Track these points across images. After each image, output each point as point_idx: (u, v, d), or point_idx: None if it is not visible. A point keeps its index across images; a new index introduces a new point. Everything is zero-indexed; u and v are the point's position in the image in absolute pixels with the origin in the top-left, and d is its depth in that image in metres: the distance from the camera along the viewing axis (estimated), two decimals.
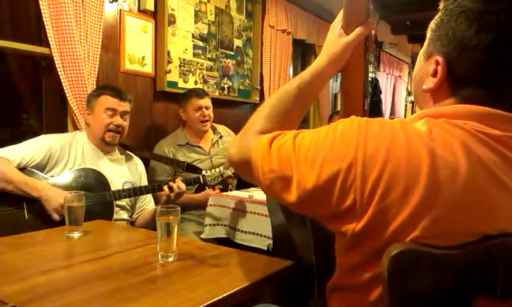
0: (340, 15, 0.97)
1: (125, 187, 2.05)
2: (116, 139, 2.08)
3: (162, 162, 2.48)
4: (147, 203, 2.23)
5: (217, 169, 2.31)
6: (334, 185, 0.68)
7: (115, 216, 1.99)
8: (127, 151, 2.25)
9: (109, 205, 1.95)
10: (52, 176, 1.89)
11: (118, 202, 2.02)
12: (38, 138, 1.95)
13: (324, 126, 0.76)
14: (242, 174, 0.94)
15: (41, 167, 1.88)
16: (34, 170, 1.85)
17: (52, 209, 1.75)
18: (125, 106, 2.09)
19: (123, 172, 2.14)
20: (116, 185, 2.03)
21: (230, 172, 2.32)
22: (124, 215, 2.09)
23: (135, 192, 2.04)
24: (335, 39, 0.97)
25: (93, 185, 1.91)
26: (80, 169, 1.95)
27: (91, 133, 2.08)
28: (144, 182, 2.25)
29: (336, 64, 0.97)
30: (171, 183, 2.07)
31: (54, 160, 1.92)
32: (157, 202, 2.29)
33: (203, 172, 2.25)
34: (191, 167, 2.26)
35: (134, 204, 2.18)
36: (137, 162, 2.27)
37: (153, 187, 2.12)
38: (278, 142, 0.79)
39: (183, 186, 2.09)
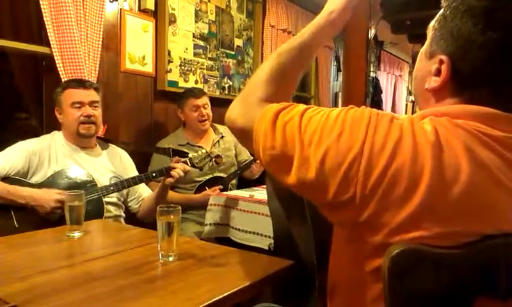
0: None
1: (112, 182, 2.00)
2: (91, 129, 2.00)
3: (149, 151, 2.48)
4: (142, 190, 2.18)
5: (203, 150, 2.24)
6: (335, 176, 0.67)
7: (106, 214, 1.95)
8: (109, 144, 2.19)
9: (97, 203, 1.91)
10: (36, 182, 1.85)
11: (107, 199, 1.98)
12: (16, 145, 1.88)
13: (333, 109, 0.74)
14: (242, 142, 0.93)
15: (24, 174, 1.84)
16: (17, 178, 1.81)
17: (45, 213, 1.74)
18: (92, 95, 2.01)
19: (108, 166, 2.09)
20: (101, 181, 1.98)
21: (217, 151, 2.29)
22: (116, 211, 2.05)
23: (123, 185, 2.00)
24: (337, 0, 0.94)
25: (78, 185, 1.87)
26: (63, 170, 1.90)
27: (66, 131, 2.02)
28: (132, 173, 2.17)
29: (336, 24, 0.94)
30: (173, 172, 2.02)
31: (35, 165, 1.87)
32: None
33: (190, 155, 2.17)
34: (177, 152, 2.23)
35: (126, 198, 2.14)
36: (121, 153, 2.21)
37: (141, 178, 2.07)
38: (283, 118, 0.77)
39: (182, 167, 2.03)
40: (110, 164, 2.11)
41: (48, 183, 1.86)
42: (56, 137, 2.02)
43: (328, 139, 0.69)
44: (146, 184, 2.22)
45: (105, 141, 2.20)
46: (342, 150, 0.67)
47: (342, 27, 0.97)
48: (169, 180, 2.04)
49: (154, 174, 2.07)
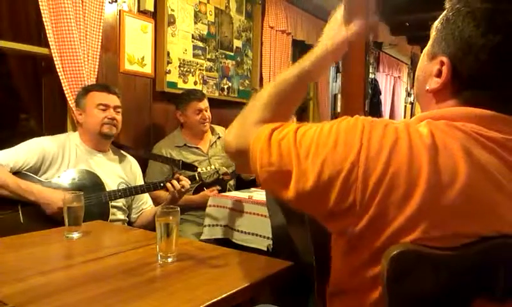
0: (342, 6, 0.96)
1: (120, 188, 2.04)
2: (113, 130, 2.07)
3: (158, 161, 2.48)
4: (145, 202, 2.21)
5: (213, 166, 2.30)
6: (334, 185, 0.68)
7: (111, 217, 1.97)
8: (121, 151, 2.24)
9: (104, 206, 1.94)
10: (47, 179, 1.88)
11: (113, 203, 2.01)
12: (31, 141, 1.92)
13: (326, 122, 0.75)
14: (239, 164, 0.93)
15: (35, 170, 1.87)
16: (28, 173, 1.84)
17: (52, 213, 1.75)
18: (115, 100, 2.09)
19: (118, 172, 2.13)
20: (110, 185, 2.02)
21: (225, 168, 2.32)
22: (121, 215, 2.08)
23: (130, 191, 2.03)
24: (335, 29, 0.94)
25: (87, 187, 1.89)
26: (74, 170, 1.93)
27: (85, 132, 2.06)
28: (140, 182, 2.23)
29: (336, 54, 0.95)
30: (173, 182, 2.05)
31: (48, 163, 1.90)
32: (156, 204, 2.27)
33: (199, 169, 2.23)
34: (187, 165, 2.26)
35: (131, 205, 2.17)
36: (132, 161, 2.25)
37: (149, 187, 2.10)
38: (278, 135, 0.77)
39: (186, 183, 2.08)
40: (121, 170, 2.15)
41: (58, 182, 1.88)
42: (71, 137, 2.06)
43: (324, 149, 0.70)
44: (150, 193, 2.24)
45: (118, 147, 2.23)
46: (339, 159, 0.68)
47: (340, 58, 0.98)
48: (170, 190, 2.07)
49: (162, 184, 2.10)
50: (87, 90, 2.09)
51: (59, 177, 1.90)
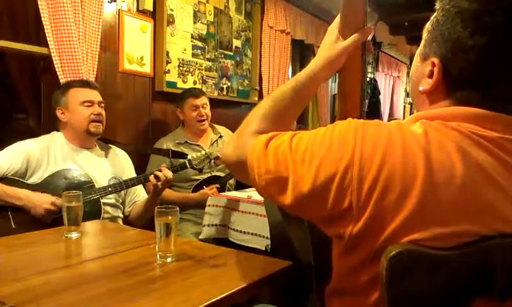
0: (338, 18, 0.98)
1: (111, 183, 2.00)
2: (99, 128, 2.03)
3: (148, 152, 2.51)
4: (137, 195, 2.18)
5: (203, 151, 2.28)
6: (330, 187, 0.68)
7: (104, 215, 1.94)
8: (109, 145, 2.20)
9: (95, 204, 1.90)
10: (33, 182, 1.85)
11: (105, 200, 1.97)
12: (14, 145, 1.88)
13: (321, 128, 0.76)
14: (237, 175, 0.94)
15: (21, 174, 1.83)
16: (15, 178, 1.81)
17: (41, 216, 1.74)
18: (98, 95, 2.06)
19: (107, 167, 2.09)
20: (101, 182, 1.98)
21: (216, 153, 2.31)
22: (115, 212, 2.04)
23: (121, 186, 2.00)
24: (331, 43, 0.96)
25: (76, 186, 1.86)
26: (61, 170, 1.90)
27: (70, 131, 2.01)
28: (132, 174, 2.18)
29: (331, 68, 0.96)
30: (156, 172, 2.01)
31: (34, 165, 1.87)
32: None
33: (189, 156, 2.21)
34: (176, 153, 2.26)
35: (124, 200, 2.14)
36: (121, 154, 2.21)
37: (139, 179, 2.07)
38: (275, 143, 0.78)
39: (169, 173, 2.03)
40: (110, 165, 2.11)
41: (46, 183, 1.85)
42: (55, 137, 2.01)
43: (319, 153, 0.70)
44: (144, 186, 2.21)
45: (104, 142, 2.20)
46: (334, 161, 0.68)
47: (336, 71, 0.99)
48: (152, 182, 2.03)
49: (154, 176, 2.07)
50: (67, 87, 2.03)
51: (47, 179, 1.86)
